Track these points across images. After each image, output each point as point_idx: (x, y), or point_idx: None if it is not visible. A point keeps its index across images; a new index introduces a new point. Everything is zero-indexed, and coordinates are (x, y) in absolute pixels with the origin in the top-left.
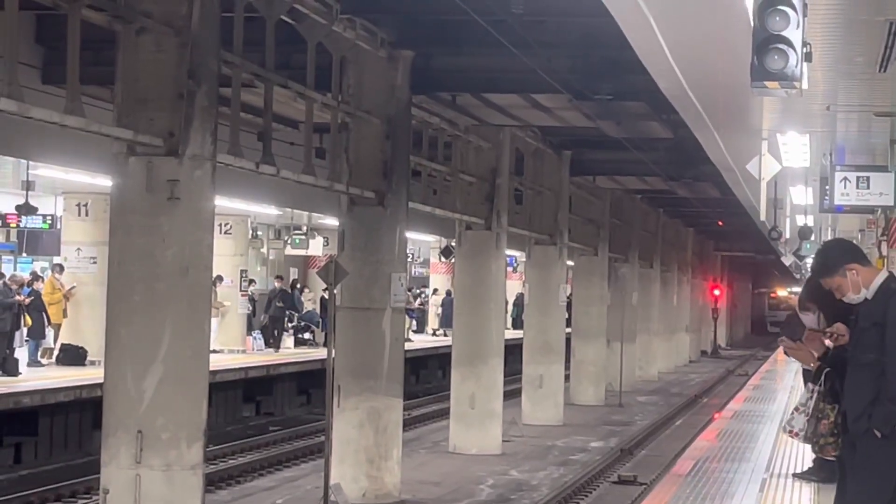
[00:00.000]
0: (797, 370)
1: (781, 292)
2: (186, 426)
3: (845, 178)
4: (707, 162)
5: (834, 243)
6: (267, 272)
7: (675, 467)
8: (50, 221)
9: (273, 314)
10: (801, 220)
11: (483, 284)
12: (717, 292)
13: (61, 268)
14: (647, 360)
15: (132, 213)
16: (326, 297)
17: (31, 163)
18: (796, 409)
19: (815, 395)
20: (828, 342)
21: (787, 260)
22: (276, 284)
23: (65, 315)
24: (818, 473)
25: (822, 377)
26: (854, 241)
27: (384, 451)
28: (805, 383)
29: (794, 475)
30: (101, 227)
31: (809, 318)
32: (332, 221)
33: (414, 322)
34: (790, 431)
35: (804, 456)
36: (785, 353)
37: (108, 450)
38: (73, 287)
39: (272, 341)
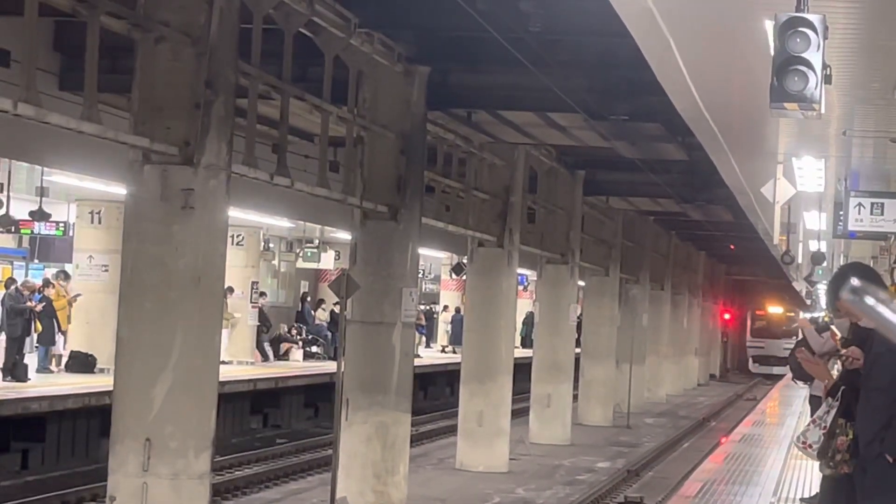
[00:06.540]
0: (805, 396)
1: (773, 309)
2: (195, 435)
3: (860, 204)
4: (721, 185)
5: (850, 267)
6: (278, 284)
7: (683, 489)
8: (63, 228)
9: None
10: (813, 246)
11: (494, 302)
12: (727, 316)
13: (66, 274)
14: (655, 382)
15: (146, 221)
16: (337, 310)
17: (45, 169)
18: (813, 421)
19: (833, 410)
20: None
21: (799, 285)
22: None
23: (68, 321)
24: None
25: (840, 393)
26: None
27: (391, 466)
28: (812, 410)
29: (802, 500)
30: (114, 235)
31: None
32: (343, 235)
33: (423, 338)
34: (803, 443)
35: (812, 481)
36: (792, 376)
37: (116, 457)
38: (79, 295)
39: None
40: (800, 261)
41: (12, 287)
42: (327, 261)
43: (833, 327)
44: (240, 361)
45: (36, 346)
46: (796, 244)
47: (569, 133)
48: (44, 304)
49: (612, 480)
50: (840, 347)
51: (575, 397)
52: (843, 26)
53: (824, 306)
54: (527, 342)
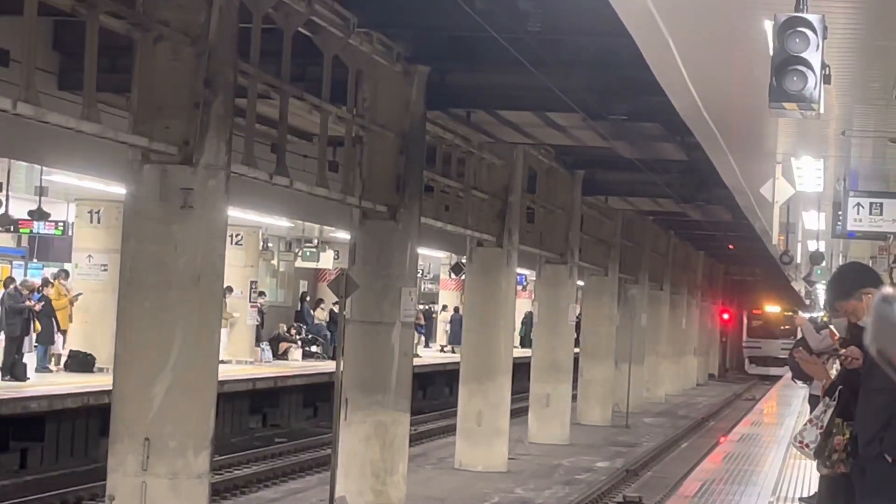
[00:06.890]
0: (805, 396)
1: (770, 308)
2: (194, 435)
3: (858, 204)
4: (720, 185)
5: (849, 266)
6: (277, 284)
7: (682, 489)
8: (62, 228)
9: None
10: (812, 246)
11: (493, 302)
12: (726, 316)
13: (67, 273)
14: (654, 382)
15: (145, 221)
16: (336, 310)
17: (44, 169)
18: (810, 420)
19: (831, 409)
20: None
21: (798, 285)
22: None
23: (69, 321)
24: None
25: (837, 392)
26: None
27: (390, 466)
28: (811, 409)
29: (801, 499)
30: (113, 235)
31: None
32: (342, 235)
33: (422, 338)
34: (800, 443)
35: (811, 480)
36: (792, 376)
37: (115, 456)
38: (79, 294)
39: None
40: (798, 261)
41: (11, 286)
42: (326, 260)
43: (831, 326)
44: (239, 361)
45: (35, 346)
46: (795, 244)
47: (568, 133)
48: (43, 303)
49: (611, 480)
50: (839, 347)
51: (574, 397)
52: (843, 26)
53: (823, 306)
54: (526, 342)
